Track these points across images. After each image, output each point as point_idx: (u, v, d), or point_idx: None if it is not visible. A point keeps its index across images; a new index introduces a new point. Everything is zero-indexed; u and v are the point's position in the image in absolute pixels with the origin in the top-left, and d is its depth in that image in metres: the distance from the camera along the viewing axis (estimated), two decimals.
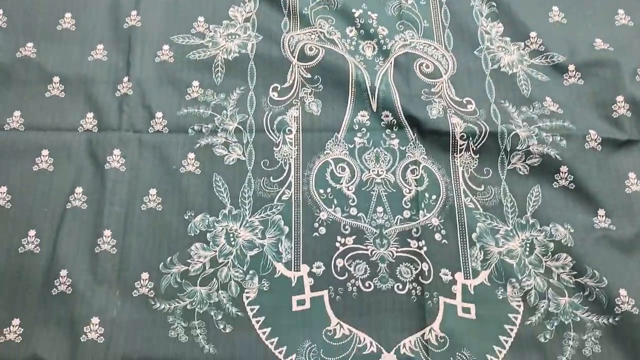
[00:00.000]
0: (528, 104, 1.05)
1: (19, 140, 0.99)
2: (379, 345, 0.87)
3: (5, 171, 0.96)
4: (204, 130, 1.01)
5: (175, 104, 1.03)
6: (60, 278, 0.89)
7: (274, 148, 1.01)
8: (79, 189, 0.96)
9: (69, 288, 0.88)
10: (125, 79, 1.04)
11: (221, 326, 0.88)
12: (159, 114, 1.02)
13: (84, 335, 0.85)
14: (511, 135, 1.00)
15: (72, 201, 0.95)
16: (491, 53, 1.10)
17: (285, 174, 0.99)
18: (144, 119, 1.02)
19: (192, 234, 0.94)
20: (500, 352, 0.88)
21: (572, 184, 0.99)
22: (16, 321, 0.87)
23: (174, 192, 0.96)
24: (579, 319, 0.90)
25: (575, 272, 0.92)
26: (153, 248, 0.93)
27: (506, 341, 0.88)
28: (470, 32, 1.12)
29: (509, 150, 1.00)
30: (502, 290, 0.92)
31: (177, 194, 0.96)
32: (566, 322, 0.90)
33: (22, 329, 0.86)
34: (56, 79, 1.04)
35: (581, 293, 0.91)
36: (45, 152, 0.98)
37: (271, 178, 0.98)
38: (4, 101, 1.02)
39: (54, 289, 0.89)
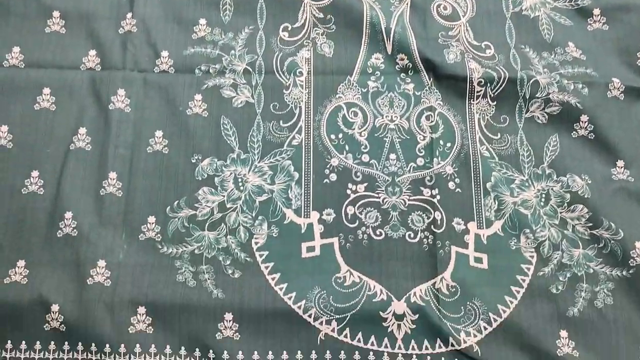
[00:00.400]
0: (550, 49, 1.01)
1: (19, 78, 0.95)
2: (389, 293, 0.86)
3: (5, 109, 0.93)
4: (211, 70, 0.97)
5: (182, 42, 0.99)
6: (65, 220, 0.87)
7: (284, 91, 0.97)
8: (82, 130, 0.92)
9: (74, 230, 0.87)
10: (129, 15, 1.00)
11: (230, 271, 0.86)
12: (164, 53, 0.98)
13: (90, 278, 0.84)
14: (531, 81, 0.97)
15: (75, 142, 0.92)
16: None
17: (295, 118, 0.95)
18: (149, 58, 0.98)
19: (200, 178, 0.91)
20: (511, 302, 0.87)
21: (591, 133, 0.96)
22: (21, 262, 0.85)
23: (181, 135, 0.93)
24: (592, 270, 0.89)
25: (591, 224, 0.90)
26: (159, 191, 0.90)
27: (518, 292, 0.87)
28: None
29: (527, 97, 0.97)
30: (515, 240, 0.90)
31: (184, 136, 0.93)
32: (579, 274, 0.88)
33: (28, 271, 0.85)
34: (56, 13, 0.99)
35: (596, 245, 0.90)
36: (46, 90, 0.94)
37: (281, 122, 0.95)
38: (2, 36, 0.98)
39: (59, 230, 0.87)
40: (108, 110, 0.94)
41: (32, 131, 0.92)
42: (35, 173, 0.90)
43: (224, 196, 0.90)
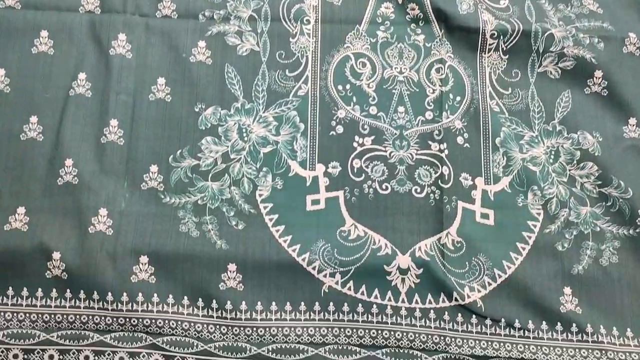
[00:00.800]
0: (566, 1, 0.98)
1: (16, 19, 0.92)
2: (394, 247, 0.85)
3: (2, 52, 0.90)
4: (215, 16, 0.94)
5: None
6: (66, 167, 0.85)
7: (291, 39, 0.94)
8: (82, 75, 0.90)
9: (75, 178, 0.85)
10: None
11: (233, 222, 0.85)
12: None
13: (92, 227, 0.83)
14: (545, 35, 0.94)
15: (75, 88, 0.89)
16: None
17: (301, 68, 0.93)
18: (151, 2, 0.94)
19: (203, 127, 0.89)
20: (516, 258, 0.86)
21: (605, 90, 0.93)
22: (21, 209, 0.84)
23: (184, 83, 0.91)
24: (598, 229, 0.88)
25: (600, 182, 0.89)
26: (162, 140, 0.88)
27: (523, 248, 0.87)
28: None
29: (541, 51, 0.94)
30: (522, 197, 0.89)
31: (187, 84, 0.91)
32: (585, 232, 0.88)
33: (28, 218, 0.83)
34: None
35: (604, 203, 0.89)
36: (44, 33, 0.91)
37: (287, 71, 0.92)
38: None
39: (59, 178, 0.85)
40: (109, 55, 0.91)
41: (30, 75, 0.89)
42: (34, 119, 0.87)
43: (227, 146, 0.88)
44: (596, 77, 0.93)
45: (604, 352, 0.82)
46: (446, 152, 0.90)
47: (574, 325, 0.83)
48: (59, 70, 0.90)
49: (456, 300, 0.83)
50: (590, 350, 0.82)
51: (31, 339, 0.79)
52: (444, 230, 0.86)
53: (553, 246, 0.87)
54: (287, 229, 0.85)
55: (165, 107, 0.90)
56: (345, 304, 0.83)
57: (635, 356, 0.82)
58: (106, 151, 0.87)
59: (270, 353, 0.80)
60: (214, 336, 0.81)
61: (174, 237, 0.84)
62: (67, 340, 0.79)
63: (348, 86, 0.92)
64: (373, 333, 0.82)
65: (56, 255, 0.81)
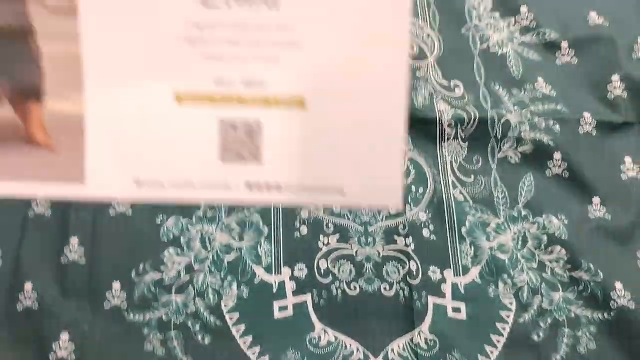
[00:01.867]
0: (519, 86, 0.99)
1: None
2: (366, 351, 0.83)
3: None
4: None
5: None
6: (25, 292, 0.83)
7: None
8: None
9: (35, 303, 0.83)
10: None
11: (200, 337, 0.83)
12: None
13: (52, 353, 0.80)
14: (502, 121, 0.95)
15: (34, 208, 0.88)
16: (479, 31, 1.03)
17: None
18: None
19: (166, 239, 0.88)
20: (492, 352, 0.84)
21: (566, 171, 0.94)
22: None
23: None
24: (573, 315, 0.86)
25: (570, 266, 0.88)
26: (124, 256, 0.87)
27: (499, 341, 0.85)
28: (456, 8, 1.05)
29: (499, 137, 0.95)
30: (493, 287, 0.88)
31: None
32: (560, 319, 0.86)
33: None
34: None
35: (576, 288, 0.88)
36: None
37: None
38: None
39: (19, 304, 0.83)
40: None
41: None
42: None
43: (190, 257, 0.87)
44: (556, 160, 0.94)
45: None
46: (412, 246, 0.89)
47: None
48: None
49: None
50: None
51: None
52: (416, 329, 0.84)
53: (529, 336, 0.85)
54: (256, 340, 0.83)
55: (127, 221, 0.89)
56: None
57: None
58: (67, 272, 0.85)
59: None
60: None
61: (139, 357, 0.81)
62: None
63: None
64: None
65: None
